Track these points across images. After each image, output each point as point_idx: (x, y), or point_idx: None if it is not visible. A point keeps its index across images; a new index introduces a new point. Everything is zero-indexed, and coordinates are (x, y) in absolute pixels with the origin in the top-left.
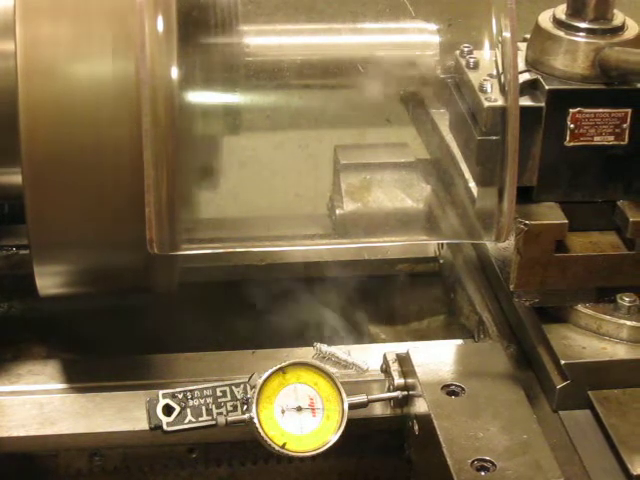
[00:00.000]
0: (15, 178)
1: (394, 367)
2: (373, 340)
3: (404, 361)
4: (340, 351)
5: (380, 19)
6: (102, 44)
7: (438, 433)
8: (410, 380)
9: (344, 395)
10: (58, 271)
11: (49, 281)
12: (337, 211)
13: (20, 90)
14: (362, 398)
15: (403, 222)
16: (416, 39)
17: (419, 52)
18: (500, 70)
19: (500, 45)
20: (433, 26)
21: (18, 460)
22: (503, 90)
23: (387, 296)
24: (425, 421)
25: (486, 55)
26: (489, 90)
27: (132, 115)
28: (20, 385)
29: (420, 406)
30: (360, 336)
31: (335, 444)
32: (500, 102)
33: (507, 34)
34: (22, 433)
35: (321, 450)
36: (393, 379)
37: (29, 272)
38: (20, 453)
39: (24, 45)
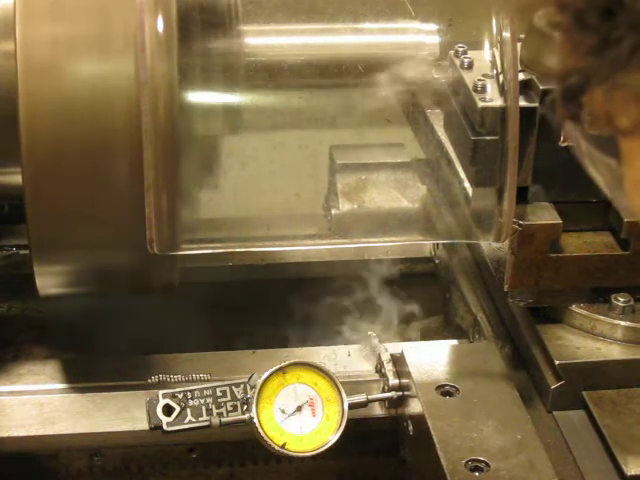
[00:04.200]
0: (15, 178)
1: (388, 367)
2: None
3: (398, 361)
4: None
5: (380, 19)
6: (102, 44)
7: (432, 433)
8: (404, 380)
9: (344, 395)
10: (58, 271)
11: (49, 281)
12: (333, 211)
13: (20, 90)
14: (362, 398)
15: (399, 222)
16: (416, 39)
17: (419, 52)
18: (499, 70)
19: (499, 45)
20: (433, 26)
21: (18, 460)
22: (502, 90)
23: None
24: (419, 421)
25: (480, 55)
26: (483, 90)
27: (132, 115)
28: (20, 385)
29: (414, 406)
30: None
31: (335, 444)
32: (495, 102)
33: (507, 34)
34: (22, 433)
35: (321, 450)
36: (388, 380)
37: (29, 272)
38: (20, 453)
39: (24, 45)
